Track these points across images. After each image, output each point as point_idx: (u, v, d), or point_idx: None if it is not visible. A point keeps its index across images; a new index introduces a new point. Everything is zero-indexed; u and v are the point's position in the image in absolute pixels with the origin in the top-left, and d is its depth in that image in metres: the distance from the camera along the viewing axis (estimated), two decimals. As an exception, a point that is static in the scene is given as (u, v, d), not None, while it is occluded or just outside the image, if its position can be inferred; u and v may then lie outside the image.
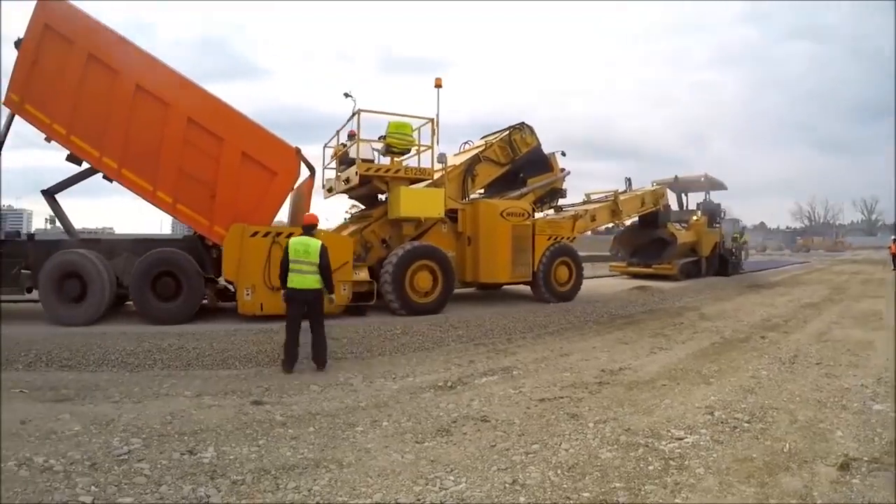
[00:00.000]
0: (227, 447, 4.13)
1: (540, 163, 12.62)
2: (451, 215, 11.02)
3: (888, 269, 24.75)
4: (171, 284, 8.31)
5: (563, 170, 13.05)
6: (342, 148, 10.96)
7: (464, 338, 8.45)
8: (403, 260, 9.68)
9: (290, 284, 6.58)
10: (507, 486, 3.55)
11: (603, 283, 17.07)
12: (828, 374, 6.36)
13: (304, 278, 6.56)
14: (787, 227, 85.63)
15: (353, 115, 10.00)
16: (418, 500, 3.38)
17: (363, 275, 9.55)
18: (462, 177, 11.48)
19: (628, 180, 16.83)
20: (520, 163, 12.21)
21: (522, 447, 4.20)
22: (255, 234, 8.32)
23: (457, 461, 3.95)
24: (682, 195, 21.02)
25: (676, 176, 19.34)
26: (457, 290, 11.81)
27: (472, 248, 11.08)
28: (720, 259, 19.69)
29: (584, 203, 15.45)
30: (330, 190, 11.83)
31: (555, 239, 11.89)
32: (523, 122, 12.27)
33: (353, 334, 7.96)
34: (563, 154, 13.12)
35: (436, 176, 10.74)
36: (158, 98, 8.29)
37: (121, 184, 8.40)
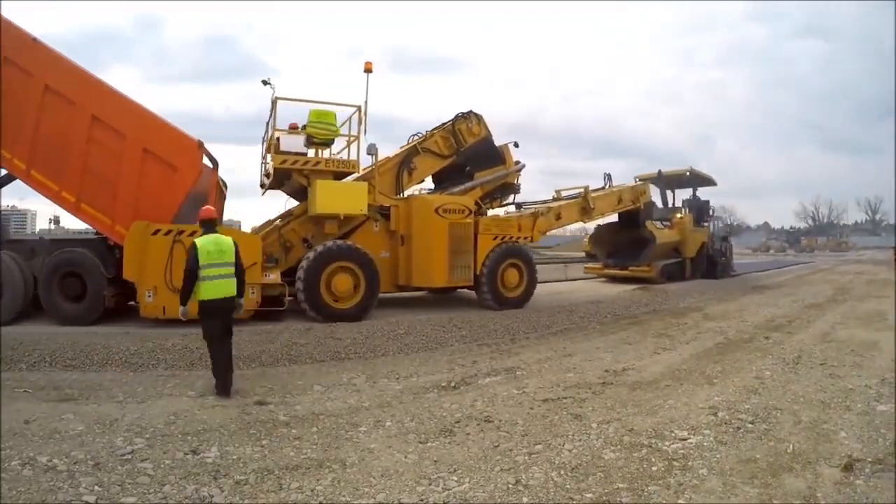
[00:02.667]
0: (230, 447, 4.14)
1: (490, 155, 11.61)
2: (385, 212, 10.30)
3: (891, 270, 24.63)
4: (77, 285, 8.20)
5: (517, 163, 11.95)
6: (275, 141, 9.96)
7: (467, 338, 8.45)
8: (319, 261, 8.96)
9: (204, 295, 5.44)
10: (510, 486, 3.55)
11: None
12: (832, 374, 6.34)
13: (220, 284, 5.48)
14: (791, 227, 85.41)
15: (273, 104, 9.35)
16: (421, 500, 3.38)
17: (274, 277, 8.86)
18: (397, 170, 10.64)
19: (607, 176, 15.25)
20: (466, 155, 11.29)
21: (525, 448, 4.20)
22: (157, 232, 7.98)
23: (460, 461, 3.95)
24: (668, 192, 19.64)
25: (660, 171, 18.04)
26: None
27: (406, 248, 10.24)
28: (708, 260, 18.32)
29: (553, 200, 14.10)
30: (263, 186, 11.12)
31: (501, 238, 10.88)
32: (471, 111, 11.30)
33: (356, 334, 7.98)
34: (516, 145, 12.03)
35: (364, 169, 10.06)
36: (65, 97, 8.16)
37: (30, 186, 8.28)
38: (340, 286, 9.07)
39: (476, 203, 10.92)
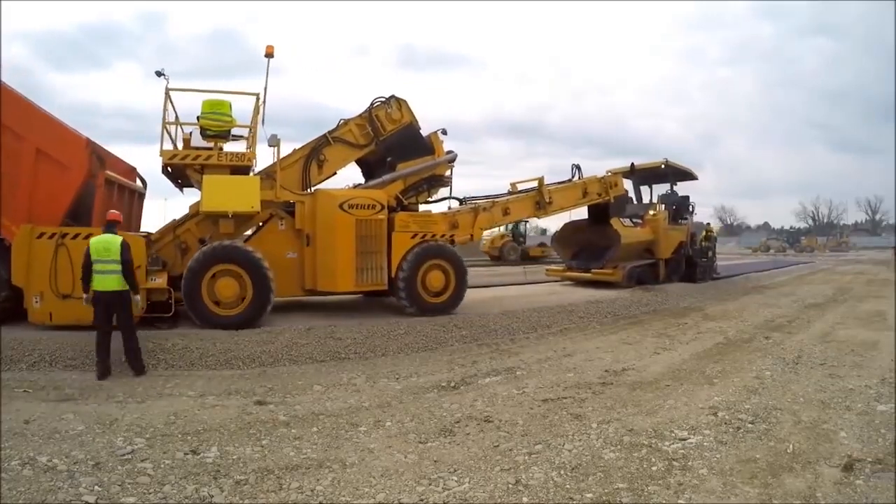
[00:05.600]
0: (230, 447, 4.15)
1: (414, 144, 10.39)
2: (291, 209, 9.41)
3: (891, 270, 24.61)
4: None
5: (449, 152, 10.65)
6: (188, 136, 9.28)
7: (467, 338, 8.45)
8: (198, 264, 8.19)
9: (94, 286, 6.27)
10: (510, 486, 3.55)
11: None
12: (832, 374, 6.34)
13: (106, 279, 6.21)
14: (791, 227, 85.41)
15: (166, 95, 8.66)
16: (421, 500, 3.38)
17: (160, 281, 8.18)
18: (304, 162, 9.60)
19: (576, 167, 13.57)
20: (387, 144, 10.11)
21: (525, 448, 4.20)
22: (42, 235, 7.55)
23: (460, 461, 3.95)
24: (645, 186, 17.83)
25: (633, 163, 16.08)
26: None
27: (311, 248, 9.31)
28: (687, 262, 16.51)
29: (506, 194, 12.66)
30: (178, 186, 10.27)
31: (422, 237, 9.76)
32: (392, 95, 10.19)
33: (356, 335, 7.97)
34: (445, 133, 10.69)
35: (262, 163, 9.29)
36: None
37: None
38: (224, 291, 8.23)
39: (396, 198, 10.01)
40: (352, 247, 9.09)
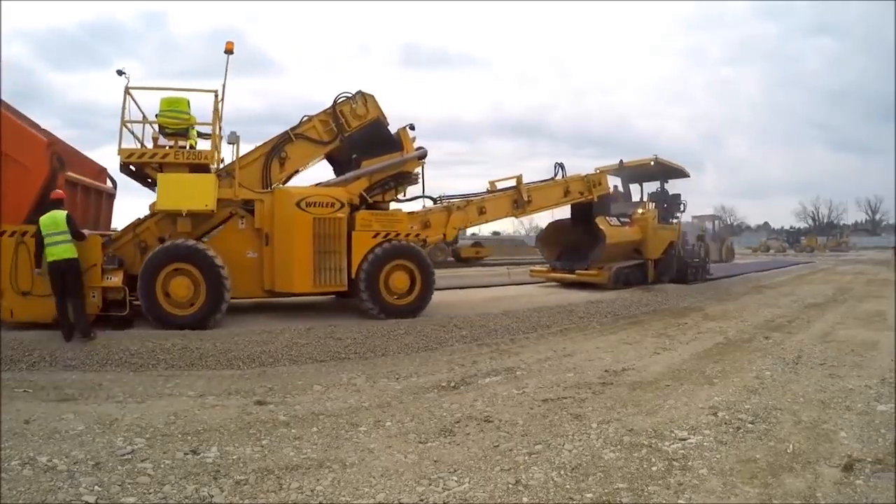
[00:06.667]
0: (230, 447, 4.14)
1: (381, 141, 10.12)
2: (251, 208, 9.24)
3: (891, 270, 24.60)
4: None
5: (419, 149, 10.32)
6: (157, 135, 9.29)
7: (467, 338, 8.44)
8: (152, 263, 8.16)
9: (46, 258, 7.14)
10: (510, 486, 3.55)
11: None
12: (832, 374, 6.33)
13: (56, 248, 7.07)
14: (791, 227, 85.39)
15: (126, 94, 8.63)
16: (421, 500, 3.38)
17: (116, 280, 8.11)
18: (265, 160, 9.48)
19: (559, 165, 13.23)
20: (352, 141, 9.91)
21: (525, 448, 4.20)
22: (3, 233, 7.65)
23: (460, 461, 3.95)
24: (636, 184, 17.44)
25: (622, 160, 15.53)
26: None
27: (270, 248, 9.16)
28: (678, 262, 15.97)
29: (484, 193, 12.43)
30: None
31: (385, 236, 9.52)
32: (359, 90, 9.95)
33: (356, 334, 7.98)
34: (413, 128, 10.35)
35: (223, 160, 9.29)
36: None
37: None
38: (177, 291, 8.19)
39: (361, 196, 9.81)
40: (309, 246, 8.96)
